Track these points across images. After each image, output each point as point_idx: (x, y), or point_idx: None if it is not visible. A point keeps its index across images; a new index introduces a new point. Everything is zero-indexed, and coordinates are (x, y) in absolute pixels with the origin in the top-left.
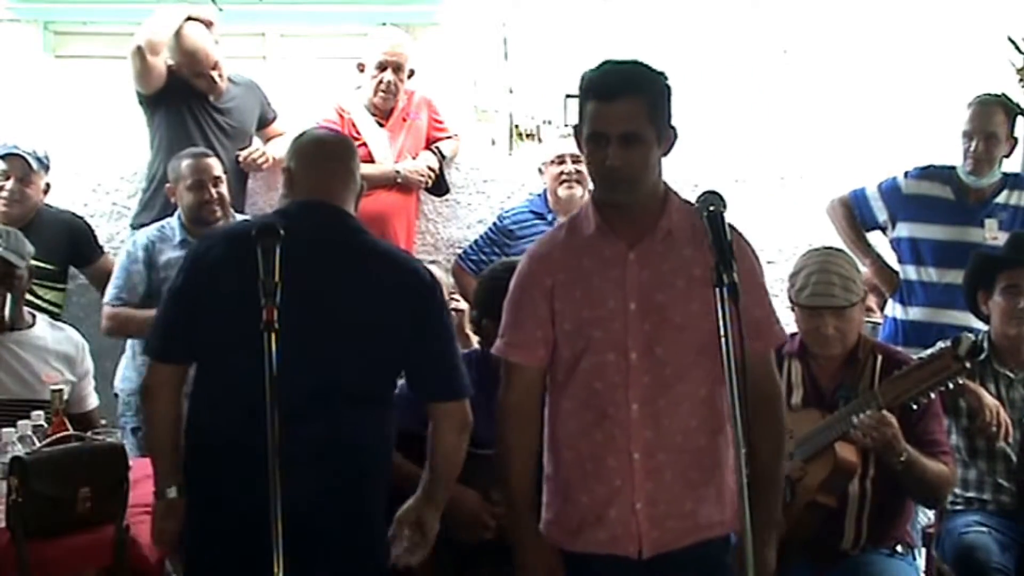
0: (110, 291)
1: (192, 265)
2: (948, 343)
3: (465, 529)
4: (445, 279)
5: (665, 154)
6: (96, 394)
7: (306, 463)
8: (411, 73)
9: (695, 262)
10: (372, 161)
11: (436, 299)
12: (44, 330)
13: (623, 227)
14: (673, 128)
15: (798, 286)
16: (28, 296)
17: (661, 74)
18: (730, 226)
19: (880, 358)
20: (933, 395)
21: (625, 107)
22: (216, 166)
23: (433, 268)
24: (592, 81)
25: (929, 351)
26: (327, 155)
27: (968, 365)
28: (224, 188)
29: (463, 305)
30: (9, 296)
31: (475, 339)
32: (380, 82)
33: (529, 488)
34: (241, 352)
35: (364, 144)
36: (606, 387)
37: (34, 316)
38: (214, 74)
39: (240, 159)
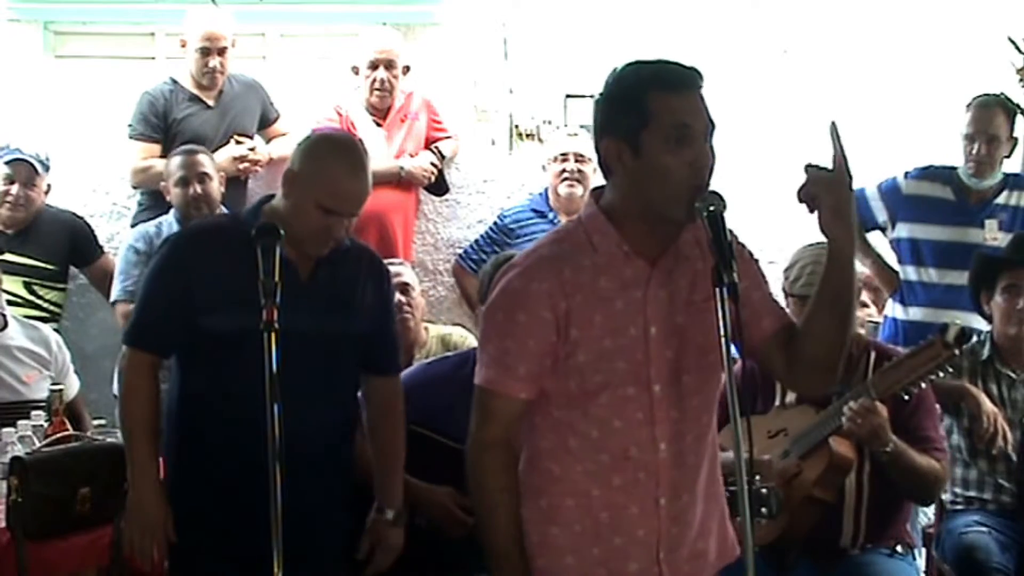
0: (116, 289)
1: None
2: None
3: (443, 525)
4: (414, 280)
5: None
6: (76, 376)
7: None
8: (406, 69)
9: (706, 274)
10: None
11: None
12: (16, 331)
13: (645, 242)
14: None
15: (792, 277)
16: (28, 296)
17: None
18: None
19: (873, 355)
20: (924, 384)
21: (700, 100)
22: (204, 162)
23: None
24: (659, 73)
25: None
26: None
27: (957, 352)
28: (212, 186)
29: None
30: None
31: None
32: (374, 81)
33: (521, 534)
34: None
35: (361, 143)
36: (627, 425)
37: (4, 317)
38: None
39: (233, 157)
